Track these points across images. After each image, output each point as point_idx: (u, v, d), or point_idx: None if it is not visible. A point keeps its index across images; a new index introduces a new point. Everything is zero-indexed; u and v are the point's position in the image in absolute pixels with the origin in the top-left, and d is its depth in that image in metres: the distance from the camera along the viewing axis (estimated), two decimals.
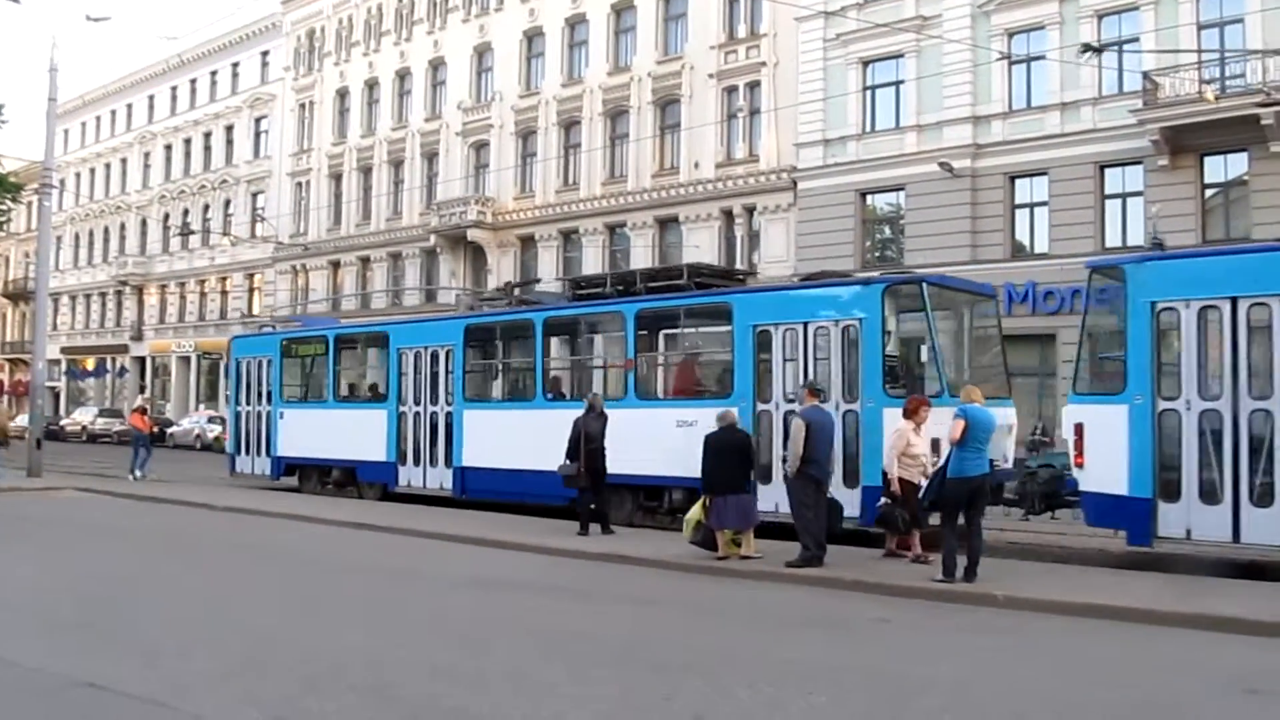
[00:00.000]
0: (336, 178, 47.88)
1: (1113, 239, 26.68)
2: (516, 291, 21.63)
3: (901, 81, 30.39)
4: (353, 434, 20.68)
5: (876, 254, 30.67)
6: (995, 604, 10.04)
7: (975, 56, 27.94)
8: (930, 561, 11.41)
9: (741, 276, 19.70)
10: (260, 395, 23.11)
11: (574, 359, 19.51)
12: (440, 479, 18.98)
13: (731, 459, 12.40)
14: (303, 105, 49.86)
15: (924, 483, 11.76)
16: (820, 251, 29.80)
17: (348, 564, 13.10)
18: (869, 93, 31.18)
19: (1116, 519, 12.06)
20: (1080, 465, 12.30)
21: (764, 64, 33.27)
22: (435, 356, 19.17)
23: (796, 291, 15.95)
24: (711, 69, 34.46)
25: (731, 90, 34.27)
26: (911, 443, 11.98)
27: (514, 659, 7.91)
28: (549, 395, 17.61)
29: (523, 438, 17.19)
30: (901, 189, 30.23)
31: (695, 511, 12.63)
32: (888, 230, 31.58)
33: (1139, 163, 26.39)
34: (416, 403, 19.49)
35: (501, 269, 40.09)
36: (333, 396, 21.60)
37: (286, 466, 22.46)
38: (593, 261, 36.74)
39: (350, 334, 23.59)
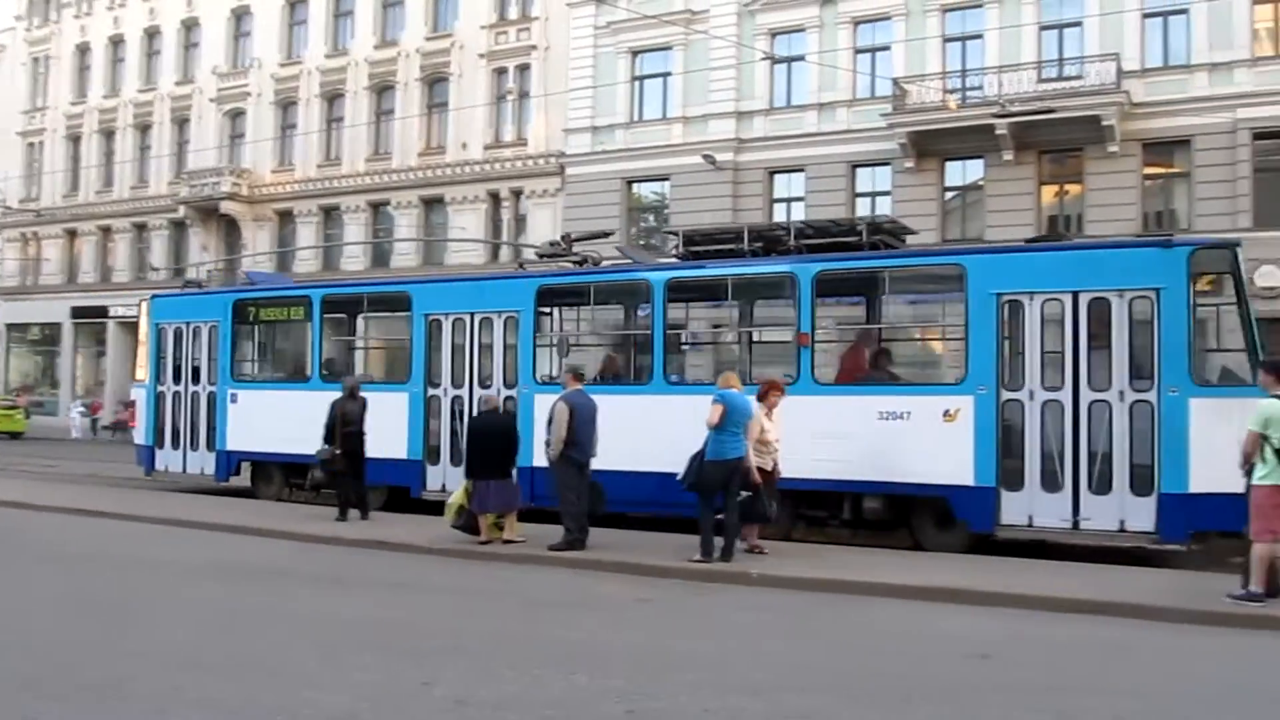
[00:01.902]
0: (75, 140, 44.49)
1: None
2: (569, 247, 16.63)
3: (669, 74, 30.91)
4: None
5: (641, 242, 31.01)
6: (750, 582, 10.31)
7: (740, 54, 28.71)
8: (767, 553, 11.52)
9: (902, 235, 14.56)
10: (196, 372, 17.92)
11: (710, 331, 16.23)
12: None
13: (495, 443, 12.25)
14: (36, 59, 46.09)
15: (776, 470, 11.77)
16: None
17: (83, 554, 12.16)
18: (638, 82, 31.58)
19: None
20: None
21: (535, 47, 33.12)
22: (487, 326, 14.99)
23: (1061, 254, 12.49)
24: (482, 49, 34.00)
25: (501, 72, 33.94)
26: (764, 429, 11.50)
27: (266, 647, 7.51)
28: (671, 377, 14.06)
29: (635, 430, 13.07)
30: (667, 179, 30.75)
31: (458, 496, 12.42)
32: (653, 219, 32.02)
33: (888, 164, 27.81)
34: (456, 385, 15.15)
35: (257, 245, 38.25)
36: (318, 374, 16.50)
37: (239, 463, 17.54)
38: (353, 239, 35.59)
39: (348, 295, 18.21)
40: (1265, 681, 7.11)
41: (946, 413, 11.84)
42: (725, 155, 29.46)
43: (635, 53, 31.43)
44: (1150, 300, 11.15)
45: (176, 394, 18.14)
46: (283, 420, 16.23)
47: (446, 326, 15.22)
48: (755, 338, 14.70)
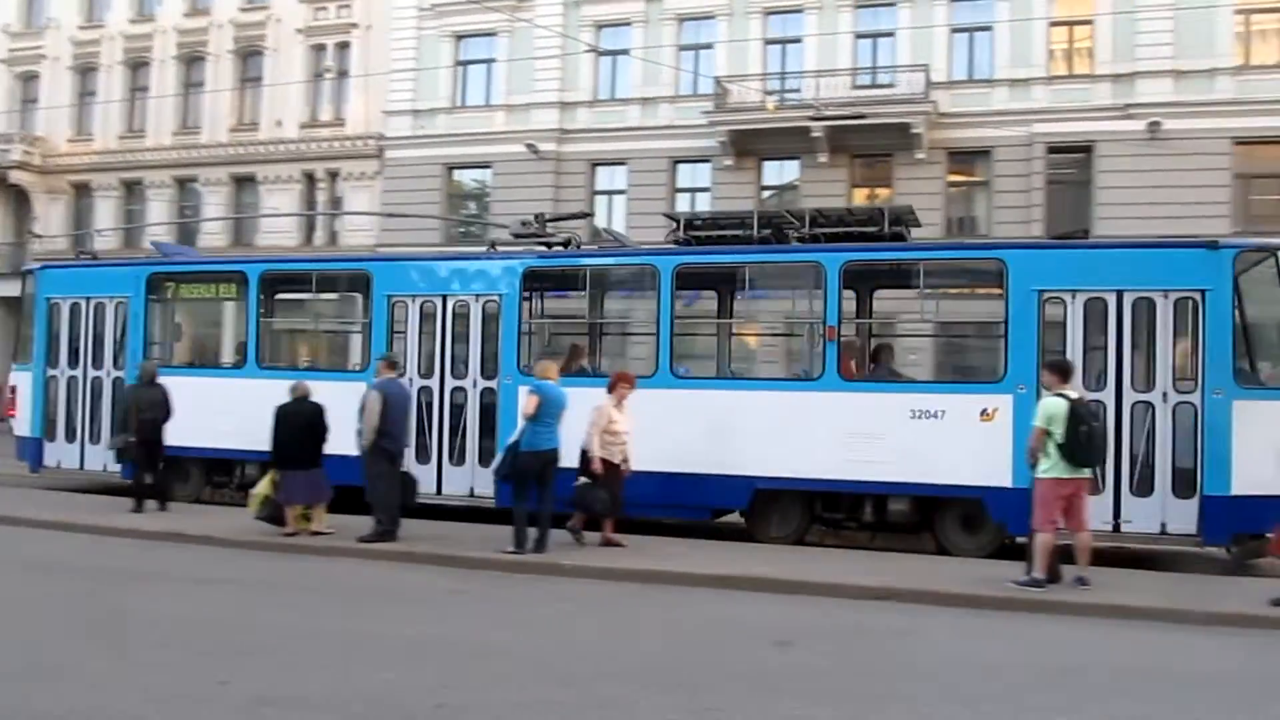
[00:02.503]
0: None
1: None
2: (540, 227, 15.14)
3: (494, 60, 30.57)
4: None
5: (462, 230, 30.53)
6: (563, 573, 10.27)
7: (565, 44, 28.59)
8: (624, 545, 11.34)
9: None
10: (97, 354, 15.69)
11: (719, 321, 14.73)
12: (472, 483, 13.44)
13: (302, 432, 11.85)
14: None
15: (626, 464, 11.62)
16: (405, 223, 29.16)
17: None
18: (461, 67, 31.09)
19: None
20: None
21: (355, 25, 32.18)
22: (462, 311, 13.66)
23: (1106, 252, 12.55)
24: (300, 24, 32.82)
25: (320, 49, 32.84)
26: (613, 419, 11.42)
27: (47, 647, 6.99)
28: (678, 370, 13.02)
29: (644, 426, 11.95)
30: (489, 166, 30.34)
31: (263, 486, 11.97)
32: (474, 206, 31.59)
33: (708, 160, 28.18)
34: (424, 374, 13.75)
35: (51, 219, 35.91)
36: (256, 360, 14.60)
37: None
38: (158, 217, 33.78)
39: (294, 271, 16.30)
40: (1043, 660, 7.43)
41: (984, 412, 11.42)
42: (548, 145, 29.30)
43: (460, 37, 30.95)
44: (1196, 301, 11.05)
45: (72, 379, 15.74)
46: (206, 411, 14.18)
47: (413, 310, 13.81)
48: (777, 329, 14.43)
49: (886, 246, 12.66)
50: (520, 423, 11.23)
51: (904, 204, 14.33)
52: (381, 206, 30.78)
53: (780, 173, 28.25)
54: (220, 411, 14.17)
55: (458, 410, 13.50)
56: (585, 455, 11.36)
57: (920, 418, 11.59)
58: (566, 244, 14.74)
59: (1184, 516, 10.96)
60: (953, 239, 24.98)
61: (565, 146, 29.43)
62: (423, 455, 13.43)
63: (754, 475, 12.08)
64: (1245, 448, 10.58)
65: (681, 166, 28.76)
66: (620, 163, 29.04)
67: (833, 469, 11.78)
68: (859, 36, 27.68)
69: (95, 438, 15.50)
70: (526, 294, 13.62)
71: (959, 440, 11.43)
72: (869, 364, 12.94)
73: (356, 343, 15.02)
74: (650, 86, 28.79)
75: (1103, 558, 10.30)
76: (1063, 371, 9.82)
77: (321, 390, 12.43)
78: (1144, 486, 11.07)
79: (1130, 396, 11.17)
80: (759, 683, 6.56)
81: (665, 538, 12.09)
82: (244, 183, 33.50)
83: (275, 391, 12.26)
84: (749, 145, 27.54)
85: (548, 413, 10.96)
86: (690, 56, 28.73)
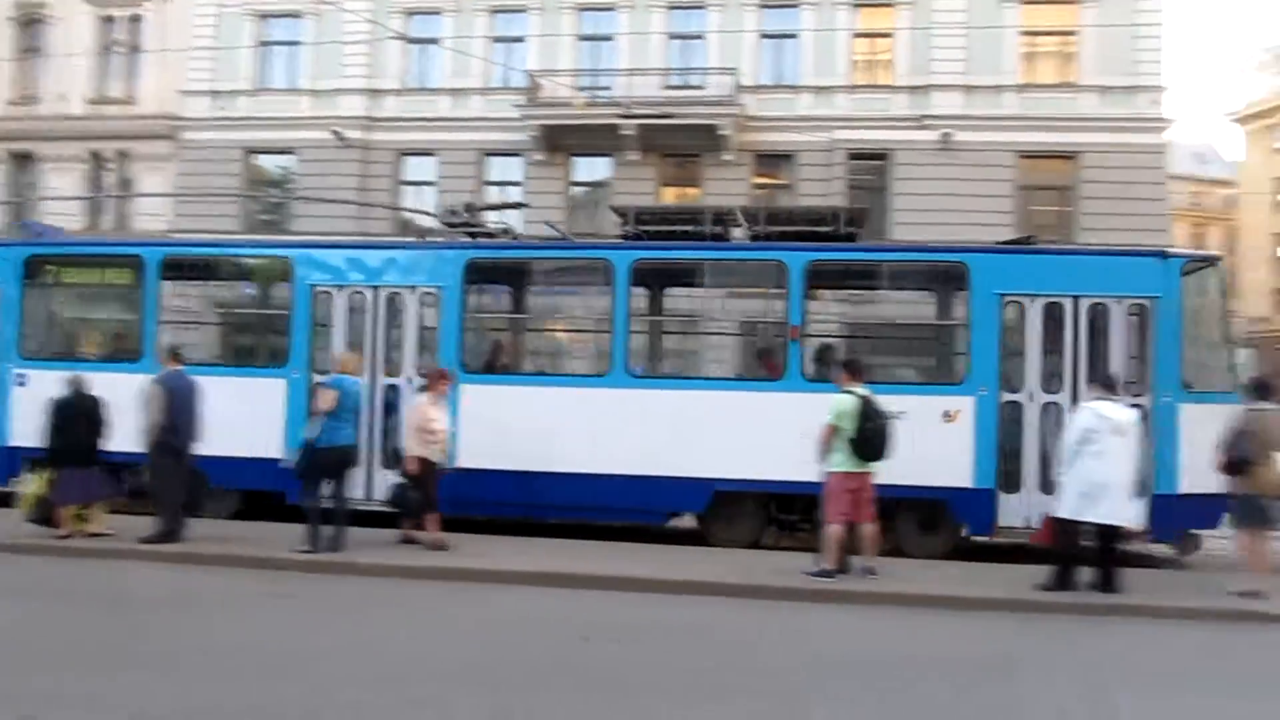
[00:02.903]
0: None
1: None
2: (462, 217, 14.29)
3: (299, 43, 29.52)
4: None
5: (264, 217, 29.37)
6: (359, 571, 9.93)
7: (374, 30, 27.86)
8: (450, 547, 10.86)
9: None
10: None
11: (675, 319, 14.39)
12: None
13: (78, 427, 11.05)
14: None
15: (444, 461, 11.26)
16: (202, 209, 27.88)
17: None
18: (264, 48, 29.90)
19: None
20: None
21: None
22: (397, 303, 12.70)
23: (1062, 258, 12.86)
24: None
25: (110, 21, 30.98)
26: (430, 418, 11.06)
27: None
28: (634, 369, 12.48)
29: (594, 426, 11.97)
30: (292, 152, 29.26)
31: (35, 486, 11.15)
32: (276, 193, 30.42)
33: (519, 154, 27.95)
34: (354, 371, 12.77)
35: None
36: (151, 354, 12.67)
37: (26, 462, 12.43)
38: None
39: (198, 256, 14.62)
40: (830, 648, 7.66)
41: (946, 413, 11.44)
42: (355, 133, 28.50)
43: (263, 16, 29.77)
44: (1146, 308, 11.40)
45: None
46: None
47: (339, 301, 12.78)
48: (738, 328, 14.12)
49: (849, 247, 12.60)
50: (315, 418, 10.80)
51: (859, 206, 14.59)
52: (176, 190, 29.32)
53: (591, 169, 28.26)
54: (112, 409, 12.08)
55: (391, 410, 12.51)
56: (401, 456, 11.11)
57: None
58: (505, 235, 14.25)
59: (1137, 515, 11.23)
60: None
61: (373, 135, 28.67)
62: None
63: (714, 478, 11.76)
64: (1191, 449, 10.91)
65: (492, 160, 28.43)
66: (429, 153, 28.48)
67: (792, 471, 11.25)
68: (670, 37, 28.01)
69: None
70: (469, 287, 12.82)
71: (921, 442, 11.13)
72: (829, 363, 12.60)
73: (273, 336, 13.63)
74: (461, 77, 28.37)
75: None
76: (854, 370, 10.09)
77: (235, 387, 11.97)
78: None
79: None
80: (565, 679, 6.51)
81: (495, 536, 11.70)
82: (23, 160, 31.31)
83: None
84: (560, 141, 27.47)
85: (345, 408, 10.67)
86: (502, 49, 28.45)
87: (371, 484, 12.32)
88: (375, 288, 12.73)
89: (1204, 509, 10.84)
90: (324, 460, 10.58)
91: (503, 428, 12.03)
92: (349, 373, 10.97)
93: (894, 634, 8.20)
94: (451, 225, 14.07)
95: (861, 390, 9.85)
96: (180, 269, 13.98)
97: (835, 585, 9.52)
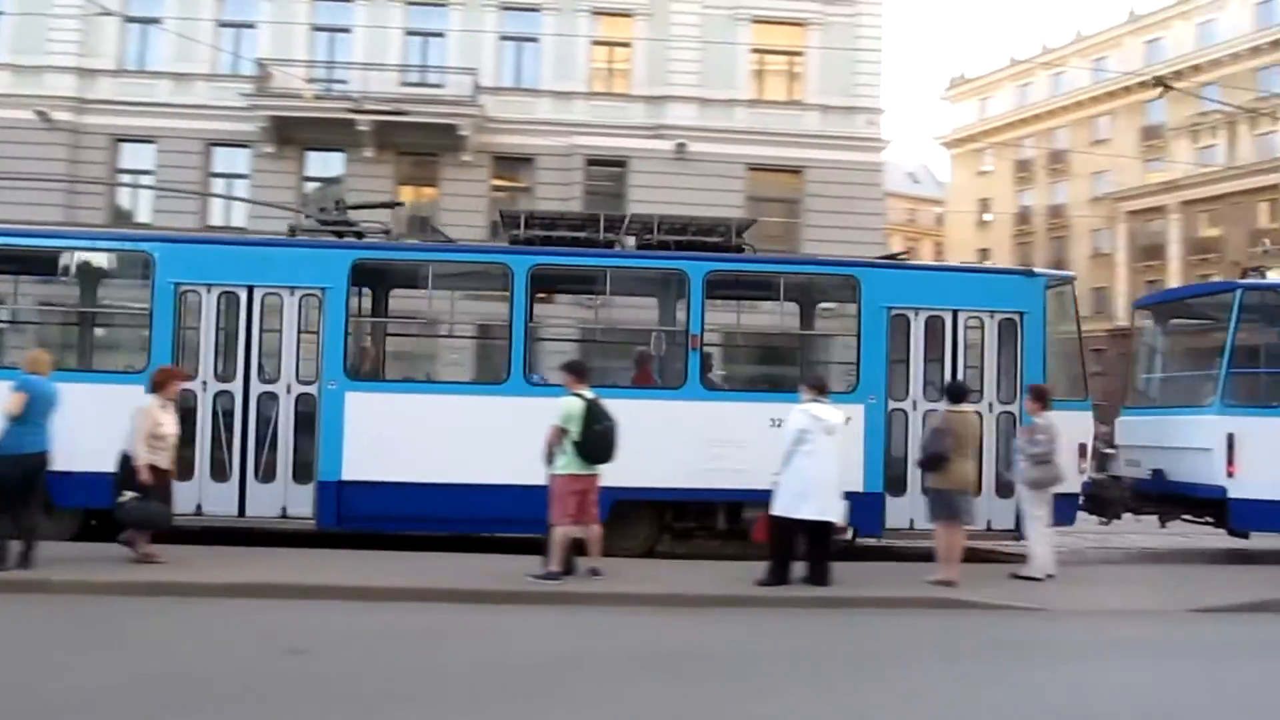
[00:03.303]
0: None
1: (217, 218, 26.64)
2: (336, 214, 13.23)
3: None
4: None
5: None
6: (52, 589, 9.10)
7: (86, 4, 25.97)
8: (162, 561, 9.92)
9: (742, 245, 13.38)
10: None
11: (577, 327, 14.58)
12: (284, 502, 11.60)
13: None
14: None
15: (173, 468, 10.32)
16: None
17: None
18: None
19: None
20: None
21: None
22: (273, 305, 11.74)
23: (943, 273, 13.66)
24: None
25: None
26: (159, 422, 10.09)
27: None
28: (532, 377, 11.95)
29: (491, 439, 11.45)
30: None
31: None
32: None
33: (248, 146, 26.72)
34: (223, 377, 11.64)
35: None
36: None
37: None
38: None
39: (31, 249, 12.75)
40: (552, 650, 7.59)
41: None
42: (64, 115, 26.41)
43: None
44: (1015, 322, 12.11)
45: None
46: None
47: (208, 302, 11.68)
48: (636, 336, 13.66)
49: (746, 258, 12.80)
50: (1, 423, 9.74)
51: (746, 219, 14.22)
52: None
53: (325, 165, 27.36)
54: None
55: (265, 420, 11.62)
56: (127, 464, 10.02)
57: (780, 426, 10.89)
58: (386, 234, 13.52)
59: (1006, 514, 11.96)
60: (494, 240, 25.28)
61: (84, 118, 26.66)
62: (218, 471, 11.50)
63: (615, 486, 10.90)
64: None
65: (218, 150, 27.04)
66: (149, 140, 26.76)
67: (688, 478, 11.57)
68: (409, 33, 27.51)
69: None
70: (354, 289, 12.13)
71: None
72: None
73: (130, 338, 12.59)
74: (185, 61, 26.77)
75: None
76: (579, 372, 10.09)
77: (81, 394, 10.51)
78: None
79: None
80: (274, 694, 6.16)
81: (203, 547, 10.91)
82: None
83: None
84: (292, 133, 26.44)
85: (37, 411, 9.63)
86: (231, 34, 27.16)
87: (245, 499, 11.55)
88: (250, 287, 11.73)
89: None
90: (11, 470, 9.52)
91: (389, 438, 11.53)
92: (39, 372, 9.95)
93: (611, 633, 8.25)
94: (324, 223, 13.17)
95: (588, 393, 9.87)
96: (8, 262, 12.59)
97: (560, 587, 9.51)
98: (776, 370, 13.97)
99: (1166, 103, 53.39)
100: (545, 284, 13.25)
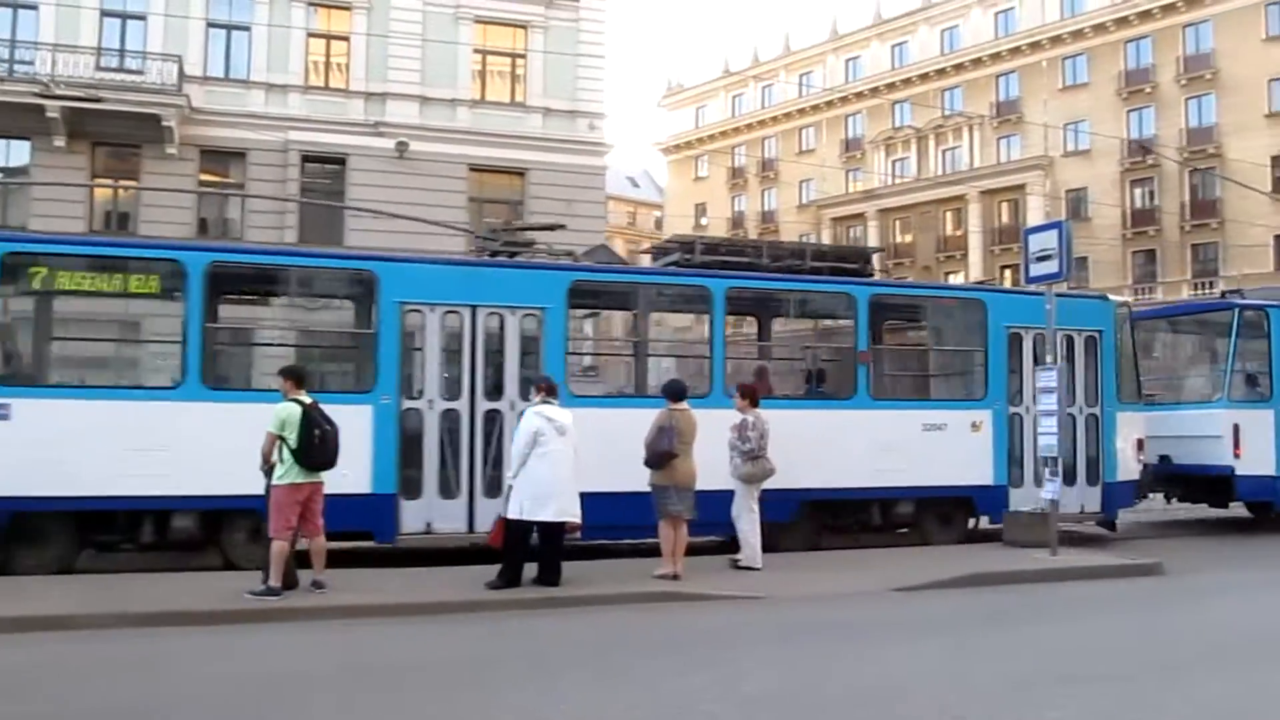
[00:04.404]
0: None
1: None
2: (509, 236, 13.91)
3: None
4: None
5: None
6: None
7: None
8: None
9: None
10: None
11: (761, 344, 15.14)
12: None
13: None
14: None
15: None
16: None
17: None
18: None
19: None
20: None
21: None
22: (494, 324, 11.84)
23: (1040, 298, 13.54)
24: None
25: None
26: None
27: None
28: (728, 390, 12.16)
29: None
30: None
31: None
32: None
33: None
34: (448, 396, 11.65)
35: None
36: (200, 377, 10.85)
37: None
38: None
39: (256, 266, 12.59)
40: (271, 669, 7.25)
41: (975, 425, 13.43)
42: None
43: None
44: (1095, 338, 14.27)
45: None
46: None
47: (431, 321, 11.69)
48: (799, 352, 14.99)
49: (902, 284, 16.06)
50: None
51: (875, 247, 16.30)
52: None
53: (8, 153, 25.04)
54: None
55: (489, 437, 11.68)
56: None
57: (931, 430, 13.28)
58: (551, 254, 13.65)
59: (1094, 499, 14.02)
60: (202, 238, 24.07)
61: None
62: (446, 489, 11.49)
63: (800, 488, 12.38)
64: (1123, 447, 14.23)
65: None
66: None
67: (861, 479, 12.70)
68: (105, 14, 25.49)
69: None
70: (571, 309, 12.52)
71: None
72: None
73: (352, 356, 12.71)
74: None
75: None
76: (297, 377, 9.69)
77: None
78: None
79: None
80: None
81: None
82: None
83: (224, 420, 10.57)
84: None
85: None
86: None
87: (474, 514, 11.53)
88: (473, 307, 11.85)
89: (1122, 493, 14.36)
90: None
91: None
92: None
93: (336, 647, 7.99)
94: (510, 244, 13.69)
95: (305, 398, 9.50)
96: (231, 280, 12.27)
97: (282, 603, 9.11)
98: (922, 382, 15.26)
99: (865, 117, 57.44)
100: (739, 305, 14.12)
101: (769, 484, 11.56)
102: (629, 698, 6.33)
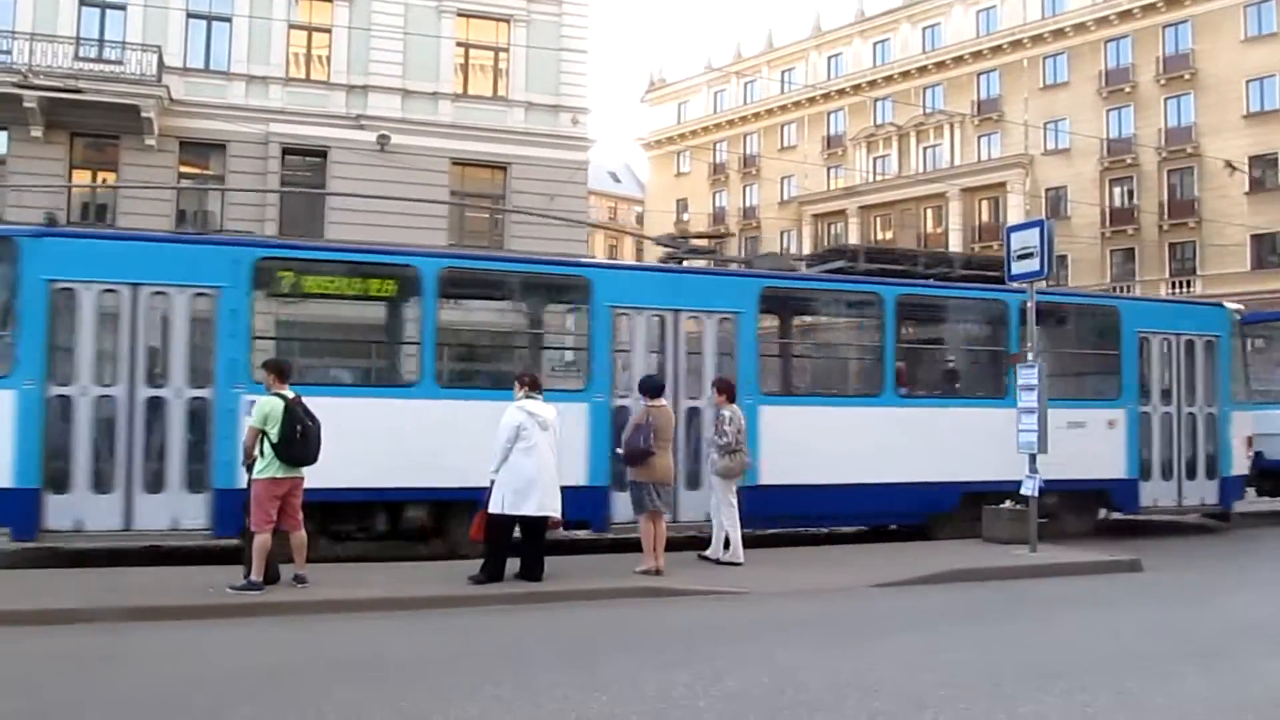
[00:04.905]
0: None
1: None
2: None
3: None
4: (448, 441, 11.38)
5: None
6: None
7: None
8: None
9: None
10: None
11: (925, 347, 15.99)
12: (705, 507, 12.04)
13: None
14: None
15: None
16: None
17: None
18: None
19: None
20: None
21: None
22: (694, 326, 12.74)
23: (1171, 306, 16.52)
24: None
25: None
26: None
27: None
28: (901, 389, 13.74)
29: (872, 443, 13.10)
30: None
31: None
32: None
33: None
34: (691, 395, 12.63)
35: None
36: (434, 378, 11.70)
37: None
38: None
39: (478, 271, 13.42)
40: (259, 663, 7.20)
41: (1110, 423, 14.59)
42: None
43: None
44: (1214, 342, 15.49)
45: None
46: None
47: (637, 324, 12.53)
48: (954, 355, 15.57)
49: (1057, 292, 16.74)
50: None
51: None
52: None
53: None
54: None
55: (689, 429, 12.53)
56: None
57: (1074, 428, 14.09)
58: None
59: (1212, 492, 15.18)
60: (183, 231, 23.91)
61: None
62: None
63: (963, 481, 13.68)
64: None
65: None
66: None
67: (1011, 471, 12.60)
68: (84, 4, 25.35)
69: None
70: (762, 313, 13.46)
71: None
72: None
73: (544, 357, 13.59)
74: None
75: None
76: (280, 371, 9.63)
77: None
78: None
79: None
80: None
81: None
82: None
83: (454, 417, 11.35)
84: None
85: None
86: None
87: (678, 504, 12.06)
88: (676, 311, 12.64)
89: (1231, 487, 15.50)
90: None
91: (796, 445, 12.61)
92: None
93: (317, 642, 7.95)
94: (690, 249, 15.03)
95: (289, 393, 9.45)
96: (460, 284, 12.84)
97: (263, 598, 9.06)
98: (1070, 381, 15.68)
99: (846, 114, 57.57)
100: (909, 312, 14.71)
101: (935, 476, 13.27)
102: (610, 693, 6.34)
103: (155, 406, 10.82)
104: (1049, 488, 13.33)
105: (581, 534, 12.38)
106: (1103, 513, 15.17)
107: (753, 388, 12.71)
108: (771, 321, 14.80)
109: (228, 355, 10.86)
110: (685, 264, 14.77)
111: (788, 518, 13.37)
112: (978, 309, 14.93)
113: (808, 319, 15.86)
